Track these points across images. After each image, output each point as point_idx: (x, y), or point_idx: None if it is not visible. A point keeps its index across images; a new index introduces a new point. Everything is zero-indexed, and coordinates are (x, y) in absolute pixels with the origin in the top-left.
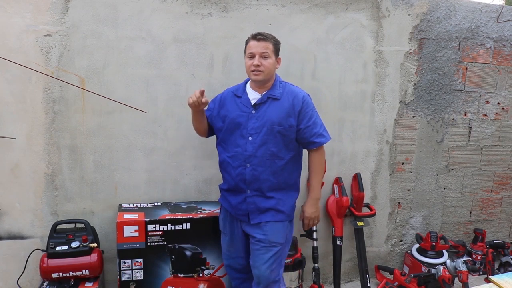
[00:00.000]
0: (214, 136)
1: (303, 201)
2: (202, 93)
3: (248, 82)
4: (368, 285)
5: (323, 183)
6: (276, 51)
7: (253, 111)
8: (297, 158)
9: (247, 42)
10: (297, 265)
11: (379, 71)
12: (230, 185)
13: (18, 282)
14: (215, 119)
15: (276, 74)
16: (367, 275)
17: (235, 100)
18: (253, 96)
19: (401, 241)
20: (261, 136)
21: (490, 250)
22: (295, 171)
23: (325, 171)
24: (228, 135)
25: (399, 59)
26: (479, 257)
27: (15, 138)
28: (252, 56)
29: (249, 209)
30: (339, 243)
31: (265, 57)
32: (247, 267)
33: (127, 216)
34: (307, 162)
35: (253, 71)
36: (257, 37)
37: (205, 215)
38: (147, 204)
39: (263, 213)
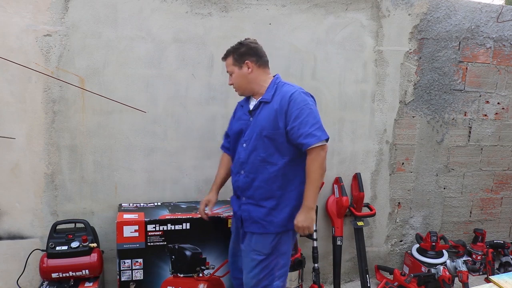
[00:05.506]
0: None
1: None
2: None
3: None
4: (368, 285)
5: (322, 183)
6: (238, 59)
7: (251, 119)
8: (297, 163)
9: None
10: (297, 265)
11: (379, 71)
12: (233, 190)
13: (18, 282)
14: None
15: (276, 76)
16: (367, 275)
17: (241, 110)
18: (253, 103)
19: (401, 241)
20: (252, 142)
21: (490, 250)
22: (296, 177)
23: (324, 170)
24: (234, 144)
25: (399, 59)
26: (479, 257)
27: (15, 138)
28: None
29: (243, 216)
30: (339, 243)
31: (231, 74)
32: None
33: (127, 216)
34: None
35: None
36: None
37: None
38: (147, 204)
39: (254, 223)
